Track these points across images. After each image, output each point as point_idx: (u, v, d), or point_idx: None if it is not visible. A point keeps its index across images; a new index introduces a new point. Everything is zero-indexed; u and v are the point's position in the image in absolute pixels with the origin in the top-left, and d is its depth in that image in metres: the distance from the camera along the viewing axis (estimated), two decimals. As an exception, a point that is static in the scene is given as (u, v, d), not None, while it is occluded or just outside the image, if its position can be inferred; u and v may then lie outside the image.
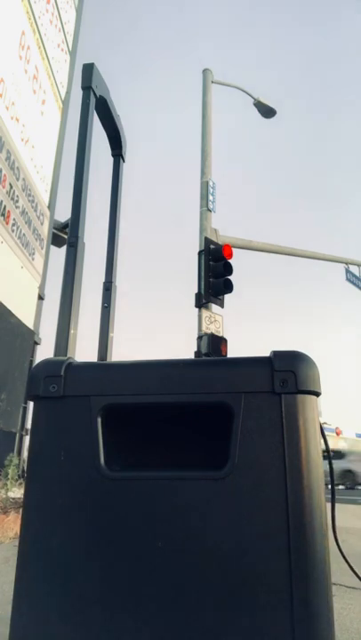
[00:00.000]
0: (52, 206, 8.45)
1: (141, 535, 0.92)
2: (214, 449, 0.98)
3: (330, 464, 1.25)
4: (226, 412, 0.96)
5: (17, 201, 6.70)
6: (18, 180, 6.74)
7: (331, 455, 1.23)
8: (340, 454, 17.72)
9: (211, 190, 8.79)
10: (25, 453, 6.97)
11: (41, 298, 7.92)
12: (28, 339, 7.21)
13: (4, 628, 0.95)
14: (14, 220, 6.61)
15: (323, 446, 1.01)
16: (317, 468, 0.93)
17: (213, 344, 7.46)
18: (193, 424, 1.11)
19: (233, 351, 8.23)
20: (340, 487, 16.42)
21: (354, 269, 12.07)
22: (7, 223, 6.38)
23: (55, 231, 9.18)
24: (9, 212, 6.42)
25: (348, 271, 11.98)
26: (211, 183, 8.83)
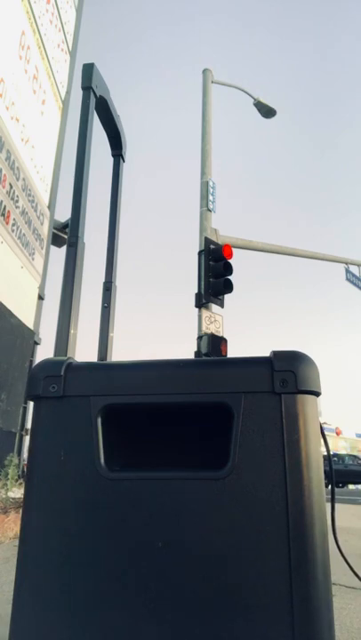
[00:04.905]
0: (52, 206, 8.46)
1: (141, 535, 0.92)
2: (214, 449, 0.98)
3: (330, 464, 1.25)
4: (226, 412, 0.96)
5: (17, 201, 6.70)
6: (18, 180, 6.74)
7: (331, 455, 1.23)
8: None
9: (211, 190, 8.78)
10: (25, 453, 6.97)
11: (41, 298, 7.92)
12: (28, 339, 7.21)
13: (3, 628, 0.95)
14: (14, 220, 6.61)
15: (323, 446, 1.01)
16: (317, 468, 0.93)
17: (213, 344, 7.45)
18: (193, 424, 1.11)
19: (233, 351, 8.24)
20: None
21: (354, 269, 12.06)
22: (7, 223, 6.38)
23: (55, 231, 9.18)
24: (9, 212, 6.42)
25: (348, 271, 11.97)
26: (211, 183, 8.83)
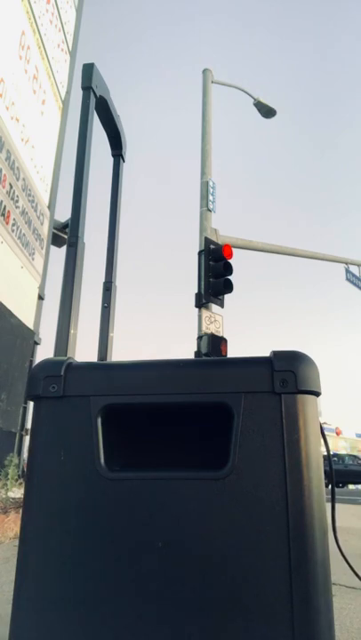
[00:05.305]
0: (52, 206, 8.46)
1: (141, 535, 0.92)
2: (214, 449, 0.98)
3: (330, 464, 1.25)
4: (226, 412, 0.96)
5: (17, 201, 6.70)
6: (18, 180, 6.74)
7: (331, 455, 1.23)
8: None
9: (211, 190, 8.78)
10: (25, 453, 6.97)
11: (41, 298, 7.92)
12: (28, 339, 7.21)
13: (3, 628, 0.95)
14: (14, 219, 6.61)
15: (323, 446, 1.01)
16: (317, 468, 0.93)
17: (213, 344, 7.45)
18: (193, 424, 1.11)
19: (233, 351, 8.23)
20: None
21: (354, 269, 12.06)
22: (7, 223, 6.38)
23: (55, 231, 9.18)
24: (9, 212, 6.42)
25: (348, 271, 11.97)
26: (211, 183, 8.82)
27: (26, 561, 0.94)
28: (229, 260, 7.86)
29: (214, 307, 7.91)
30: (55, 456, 0.98)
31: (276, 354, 0.99)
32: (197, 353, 7.51)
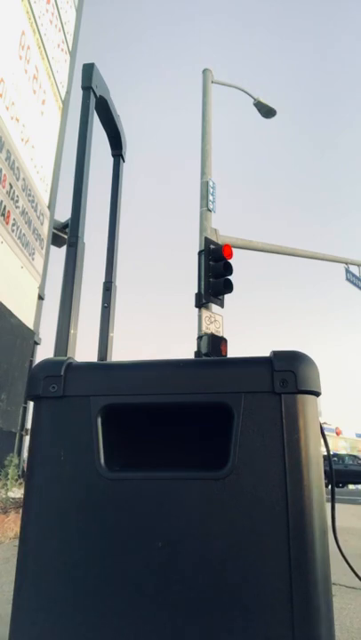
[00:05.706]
0: (52, 206, 8.46)
1: (141, 535, 0.92)
2: (214, 449, 0.98)
3: (330, 464, 1.25)
4: (226, 412, 0.96)
5: (17, 201, 6.70)
6: (18, 180, 6.74)
7: (331, 455, 1.23)
8: None
9: (211, 190, 8.78)
10: (25, 453, 6.97)
11: (41, 298, 7.92)
12: (28, 339, 7.21)
13: (3, 628, 0.95)
14: (14, 219, 6.61)
15: (323, 446, 1.01)
16: (317, 468, 0.93)
17: (213, 344, 7.45)
18: (193, 424, 1.11)
19: (233, 351, 8.23)
20: None
21: (354, 269, 12.07)
22: (7, 223, 6.38)
23: (55, 231, 9.18)
24: (9, 212, 6.42)
25: (348, 271, 11.97)
26: (211, 183, 8.82)
27: (26, 561, 0.94)
28: (229, 260, 7.86)
29: (214, 307, 7.91)
30: (55, 456, 0.98)
31: (276, 354, 0.99)
32: (197, 353, 7.51)
